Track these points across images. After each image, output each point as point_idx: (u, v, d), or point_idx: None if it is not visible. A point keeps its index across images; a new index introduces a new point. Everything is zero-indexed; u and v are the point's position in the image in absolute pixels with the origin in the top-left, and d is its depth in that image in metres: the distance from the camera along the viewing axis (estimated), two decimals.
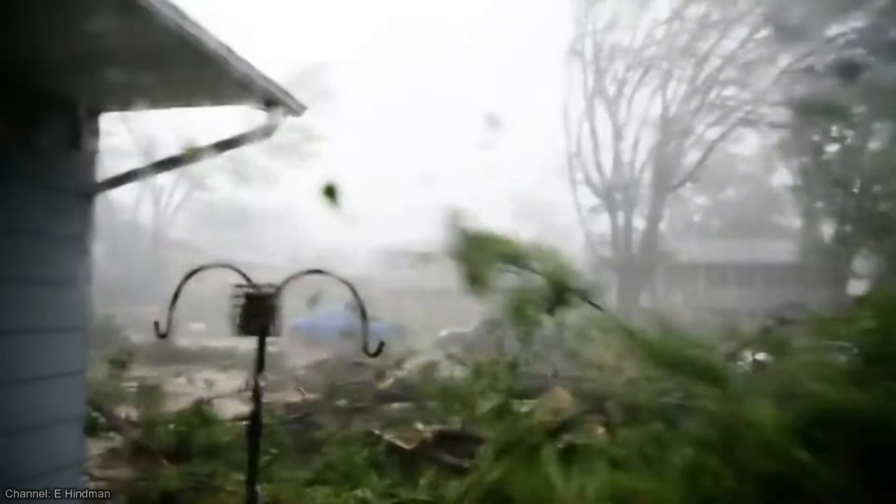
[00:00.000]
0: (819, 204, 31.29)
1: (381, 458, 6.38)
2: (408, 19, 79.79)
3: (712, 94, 32.55)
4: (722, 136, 33.73)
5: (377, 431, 6.95)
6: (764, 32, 29.73)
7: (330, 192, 1.95)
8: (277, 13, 78.33)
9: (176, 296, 3.75)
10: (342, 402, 9.19)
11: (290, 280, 3.69)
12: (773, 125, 32.81)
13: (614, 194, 32.62)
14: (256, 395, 3.68)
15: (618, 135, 32.58)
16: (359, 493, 5.67)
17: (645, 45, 32.16)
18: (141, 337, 16.91)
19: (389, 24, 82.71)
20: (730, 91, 32.55)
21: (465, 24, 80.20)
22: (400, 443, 6.50)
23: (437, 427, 6.79)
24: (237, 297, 3.66)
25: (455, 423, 7.31)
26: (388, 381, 9.98)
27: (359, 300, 3.63)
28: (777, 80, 30.43)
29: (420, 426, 6.80)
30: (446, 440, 6.54)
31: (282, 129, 3.75)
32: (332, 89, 39.15)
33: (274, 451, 6.55)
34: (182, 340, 19.58)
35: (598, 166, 32.62)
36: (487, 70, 77.05)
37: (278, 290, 3.64)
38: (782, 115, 32.21)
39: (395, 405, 9.05)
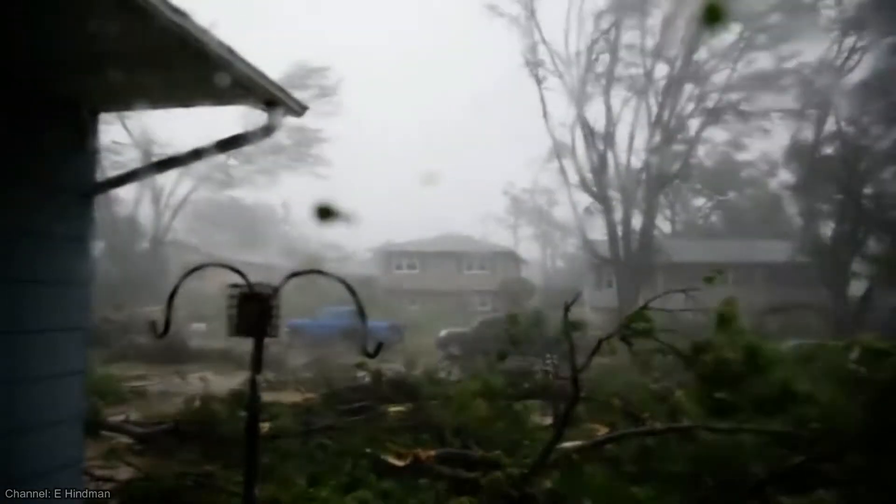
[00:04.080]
0: (819, 204, 31.23)
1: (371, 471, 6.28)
2: (409, 22, 79.95)
3: (709, 96, 32.52)
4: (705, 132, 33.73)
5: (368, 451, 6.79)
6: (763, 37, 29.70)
7: (325, 213, 1.89)
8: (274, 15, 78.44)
9: (173, 295, 3.67)
10: (341, 402, 9.17)
11: (288, 280, 3.58)
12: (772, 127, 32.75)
13: (609, 194, 32.58)
14: (254, 396, 3.62)
15: (612, 135, 32.54)
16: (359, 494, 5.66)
17: (640, 46, 32.16)
18: (144, 337, 16.93)
19: (389, 25, 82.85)
20: (729, 94, 32.52)
21: (464, 23, 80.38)
22: (392, 460, 6.39)
23: (434, 452, 6.59)
24: (233, 297, 3.54)
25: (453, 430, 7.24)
26: (382, 378, 9.92)
27: (357, 300, 3.52)
28: (777, 81, 30.38)
29: (419, 451, 6.58)
30: (446, 462, 6.39)
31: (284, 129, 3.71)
32: (333, 87, 39.21)
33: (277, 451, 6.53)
34: (189, 341, 19.63)
35: (593, 166, 32.55)
36: (486, 67, 77.10)
37: (276, 290, 3.53)
38: (781, 115, 32.15)
39: (395, 406, 9.00)
